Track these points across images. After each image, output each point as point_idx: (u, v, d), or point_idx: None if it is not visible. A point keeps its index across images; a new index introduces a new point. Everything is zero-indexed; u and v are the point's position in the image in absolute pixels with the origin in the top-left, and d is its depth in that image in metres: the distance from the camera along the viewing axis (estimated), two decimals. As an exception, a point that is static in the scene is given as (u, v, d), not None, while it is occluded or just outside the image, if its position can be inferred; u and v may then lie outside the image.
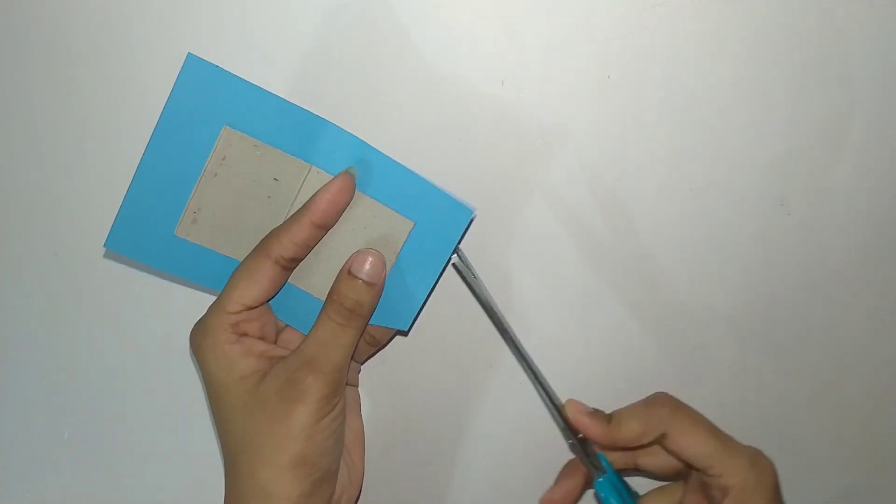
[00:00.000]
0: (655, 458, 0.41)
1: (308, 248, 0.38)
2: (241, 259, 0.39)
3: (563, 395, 0.41)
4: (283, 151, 0.38)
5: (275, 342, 0.41)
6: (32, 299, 0.47)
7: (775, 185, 0.44)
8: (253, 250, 0.38)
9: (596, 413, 0.40)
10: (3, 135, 0.45)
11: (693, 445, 0.38)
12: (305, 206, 0.37)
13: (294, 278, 0.40)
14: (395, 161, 0.38)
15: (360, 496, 0.43)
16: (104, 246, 0.38)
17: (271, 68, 0.43)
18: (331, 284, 0.38)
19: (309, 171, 0.38)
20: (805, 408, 0.46)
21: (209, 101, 0.36)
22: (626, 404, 0.40)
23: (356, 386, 0.45)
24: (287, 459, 0.36)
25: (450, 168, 0.43)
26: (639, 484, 0.42)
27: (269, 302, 0.39)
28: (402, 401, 0.46)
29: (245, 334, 0.38)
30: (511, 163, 0.43)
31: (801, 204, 0.44)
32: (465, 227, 0.39)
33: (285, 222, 0.38)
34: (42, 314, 0.47)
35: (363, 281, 0.38)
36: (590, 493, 0.42)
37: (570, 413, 0.40)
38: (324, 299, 0.38)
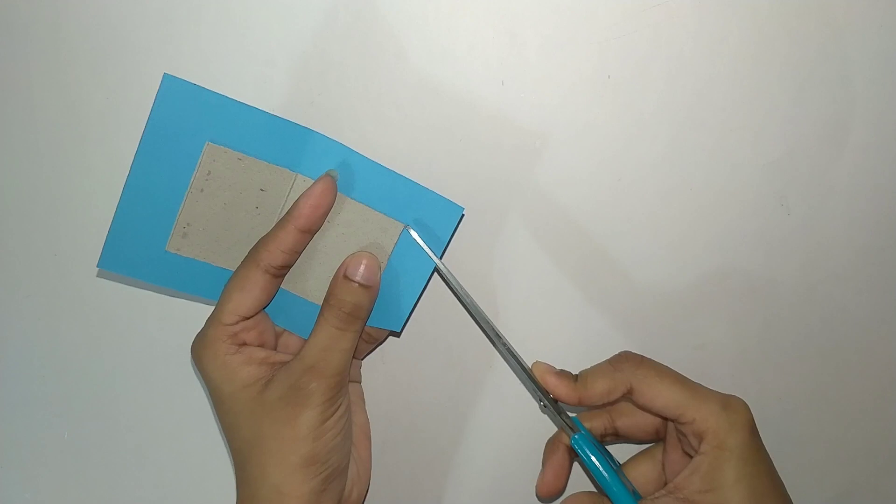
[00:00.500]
0: (632, 419, 0.41)
1: (296, 253, 0.38)
2: (234, 269, 0.39)
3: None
4: (267, 162, 0.38)
5: (274, 347, 0.41)
6: (32, 299, 0.47)
7: (775, 185, 0.44)
8: (243, 260, 0.38)
9: (563, 373, 0.40)
10: (3, 135, 0.45)
11: (661, 395, 0.38)
12: (289, 213, 0.37)
13: (289, 284, 0.40)
14: (380, 164, 0.38)
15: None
16: (97, 266, 0.38)
17: (271, 68, 0.43)
18: (326, 288, 0.38)
19: (295, 180, 0.38)
20: (805, 408, 0.46)
21: (189, 119, 0.36)
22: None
23: (358, 382, 0.45)
24: (297, 459, 0.36)
25: (450, 168, 0.43)
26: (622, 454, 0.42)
27: (266, 309, 0.39)
28: (402, 400, 0.46)
29: (244, 343, 0.38)
30: (511, 163, 0.43)
31: (801, 204, 0.44)
32: (456, 225, 0.39)
33: (271, 230, 0.38)
34: (42, 314, 0.47)
35: (359, 283, 0.38)
36: (588, 483, 0.42)
37: (538, 374, 0.40)
38: (320, 303, 0.39)
